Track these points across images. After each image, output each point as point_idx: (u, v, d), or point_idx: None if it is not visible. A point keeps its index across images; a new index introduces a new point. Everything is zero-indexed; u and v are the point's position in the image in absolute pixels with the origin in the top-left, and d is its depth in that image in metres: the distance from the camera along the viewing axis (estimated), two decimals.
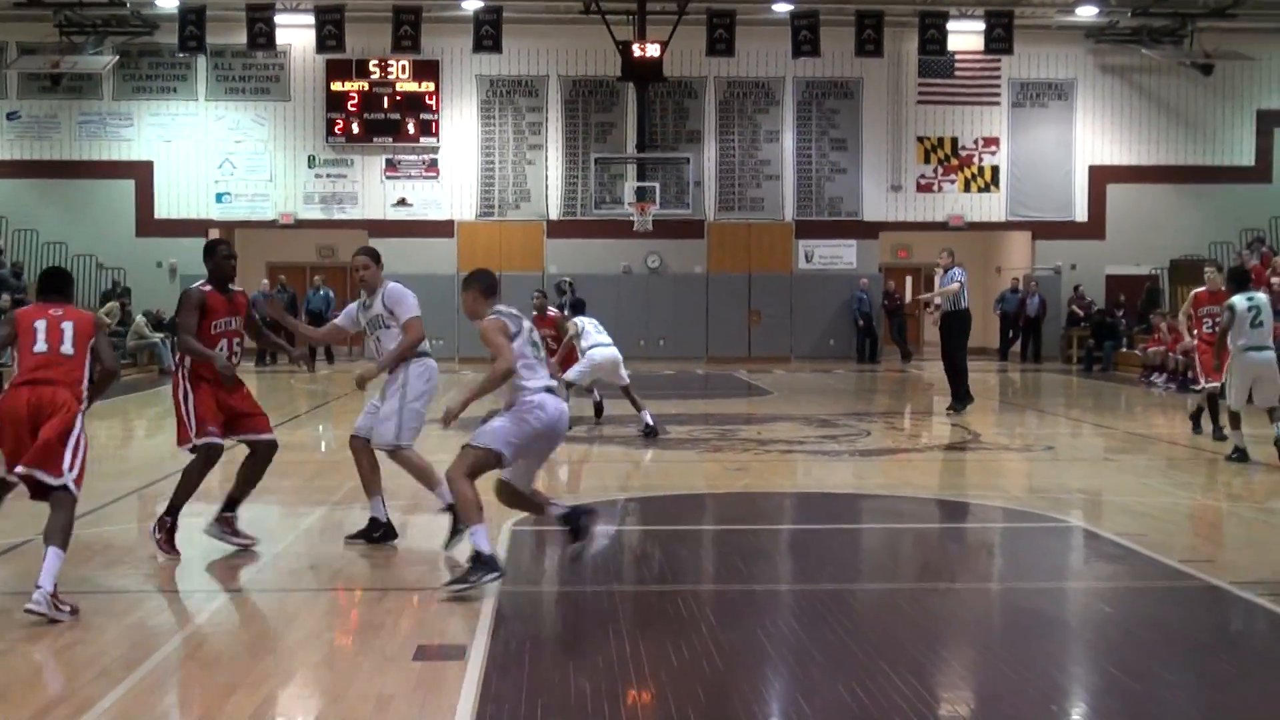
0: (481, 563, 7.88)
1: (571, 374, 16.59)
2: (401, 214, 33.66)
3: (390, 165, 33.74)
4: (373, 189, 33.77)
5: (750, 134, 34.34)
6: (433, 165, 33.72)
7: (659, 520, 11.36)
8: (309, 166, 33.71)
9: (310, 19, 31.08)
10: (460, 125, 33.75)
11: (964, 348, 19.89)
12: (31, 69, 32.82)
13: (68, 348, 7.86)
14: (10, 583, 8.77)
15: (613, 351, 17.37)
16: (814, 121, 34.40)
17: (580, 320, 17.82)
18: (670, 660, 6.69)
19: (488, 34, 31.02)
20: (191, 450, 9.40)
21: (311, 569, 9.19)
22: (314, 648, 7.12)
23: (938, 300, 19.85)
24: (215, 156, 33.64)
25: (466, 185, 33.81)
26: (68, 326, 7.93)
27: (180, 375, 9.46)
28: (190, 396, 9.37)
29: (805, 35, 31.19)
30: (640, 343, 32.91)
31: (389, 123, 33.55)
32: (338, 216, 33.93)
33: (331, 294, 33.69)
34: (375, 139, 33.55)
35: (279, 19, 31.02)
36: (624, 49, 31.50)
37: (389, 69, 33.38)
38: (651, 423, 16.47)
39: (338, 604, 8.30)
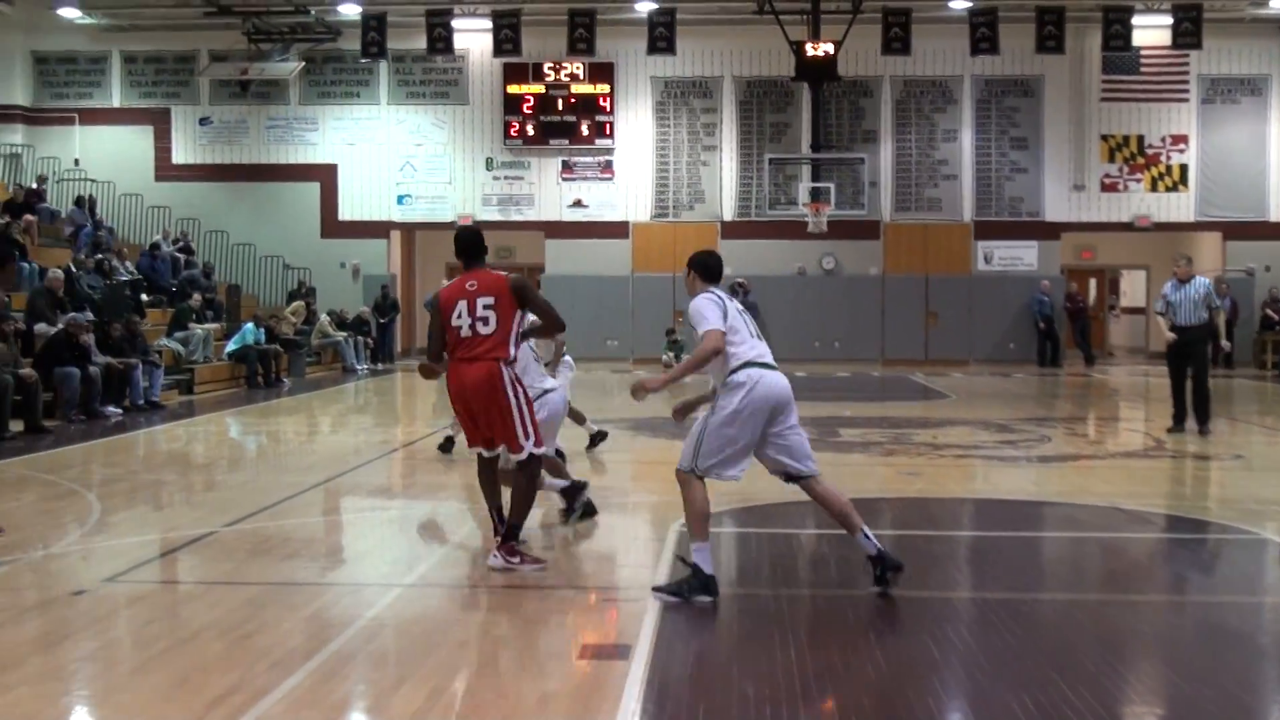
0: (700, 581, 7.81)
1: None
2: (577, 215, 33.92)
3: (566, 167, 34.02)
4: (549, 190, 34.08)
5: (927, 133, 33.88)
6: (608, 167, 33.90)
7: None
8: (487, 169, 34.14)
9: (488, 23, 31.47)
10: (635, 127, 33.89)
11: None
12: (222, 76, 33.78)
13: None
14: (195, 572, 9.02)
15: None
16: (993, 120, 33.81)
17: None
18: (837, 667, 6.59)
19: (662, 35, 31.09)
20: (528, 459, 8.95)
21: (479, 566, 9.27)
22: (482, 643, 7.18)
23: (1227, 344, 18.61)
24: (396, 159, 34.28)
25: (641, 186, 33.93)
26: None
27: (509, 379, 9.00)
28: (528, 403, 9.11)
29: (984, 32, 30.70)
30: (815, 344, 32.81)
31: (565, 125, 33.82)
32: (515, 218, 34.29)
33: None
34: (551, 141, 33.86)
35: (457, 23, 31.45)
36: (798, 49, 31.33)
37: (564, 71, 33.64)
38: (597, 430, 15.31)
39: (507, 600, 8.35)
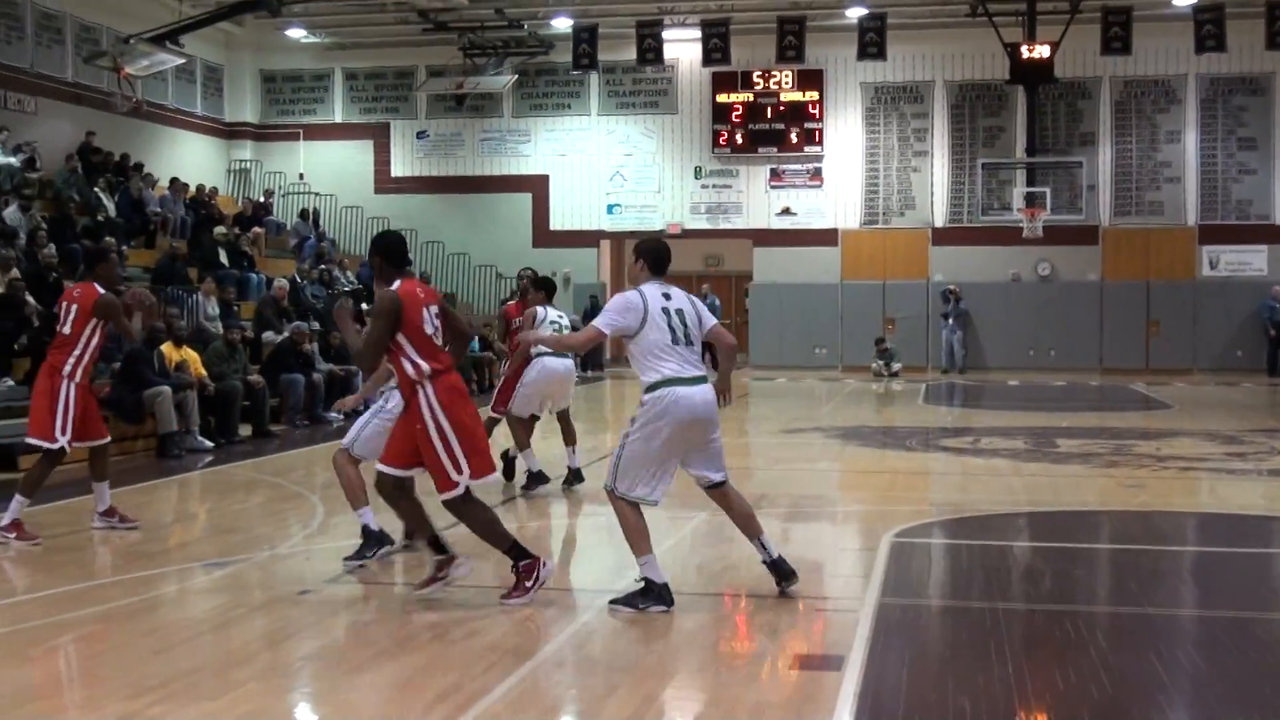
0: (654, 593, 7.67)
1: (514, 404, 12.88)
2: (785, 223, 33.76)
3: (774, 175, 33.90)
4: (757, 198, 34.00)
5: (1149, 135, 32.87)
6: (816, 174, 33.68)
7: (1047, 537, 10.99)
8: (695, 177, 34.22)
9: (697, 33, 31.55)
10: (844, 133, 33.60)
11: None
12: (438, 91, 34.47)
13: None
14: (413, 574, 9.18)
15: (567, 363, 13.24)
16: (1219, 120, 32.63)
17: (545, 310, 12.79)
18: (1056, 683, 6.41)
19: (872, 41, 30.79)
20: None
21: (696, 572, 9.28)
22: (694, 651, 7.17)
23: None
24: (606, 169, 34.58)
25: (850, 193, 33.61)
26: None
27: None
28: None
29: (1209, 29, 29.69)
30: (1029, 353, 32.15)
31: (773, 133, 33.69)
32: (723, 226, 34.31)
33: (718, 301, 34.14)
34: (760, 149, 33.77)
35: (667, 34, 31.58)
36: (1012, 51, 30.72)
37: (773, 79, 33.53)
38: (577, 465, 13.33)
39: (719, 608, 8.35)
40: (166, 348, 16.78)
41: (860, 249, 33.38)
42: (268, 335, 20.56)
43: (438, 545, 8.22)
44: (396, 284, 7.93)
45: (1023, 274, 32.68)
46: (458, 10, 32.08)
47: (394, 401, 9.06)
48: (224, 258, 24.34)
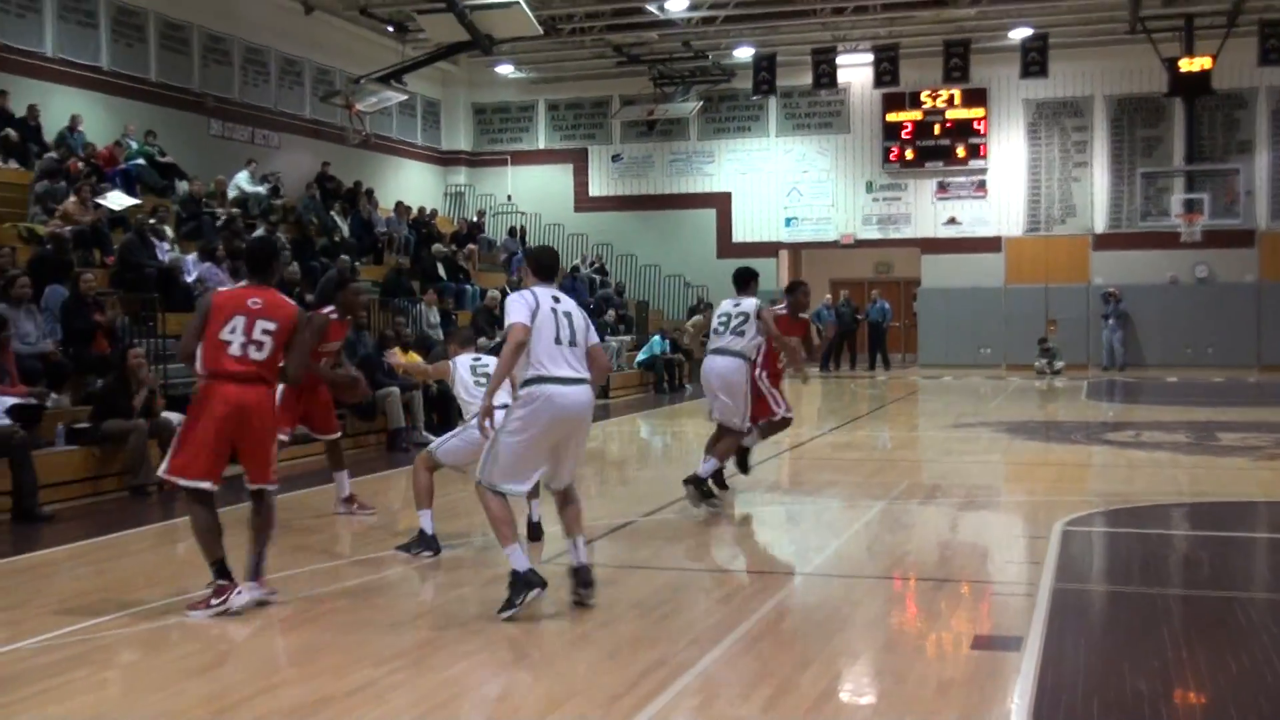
0: (522, 580, 7.14)
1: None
2: (951, 232, 33.26)
3: (941, 187, 33.43)
4: (924, 209, 33.55)
5: None
6: (981, 185, 33.11)
7: (1211, 526, 10.62)
8: (867, 191, 33.90)
9: (869, 57, 31.25)
10: (1008, 147, 32.97)
11: None
12: (631, 118, 34.76)
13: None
14: (619, 557, 9.24)
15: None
16: None
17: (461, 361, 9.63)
18: (1228, 667, 6.18)
19: (1034, 60, 30.20)
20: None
21: (874, 558, 9.18)
22: (879, 631, 7.08)
23: None
24: (784, 185, 34.45)
25: (1014, 203, 32.97)
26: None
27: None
28: None
29: None
30: (1186, 350, 31.19)
31: (940, 148, 33.23)
32: (893, 235, 33.96)
33: (888, 305, 33.85)
34: (927, 164, 33.33)
35: (840, 60, 31.35)
36: (1171, 65, 29.99)
37: (940, 98, 33.07)
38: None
39: (899, 592, 8.24)
40: (395, 352, 17.16)
41: (1023, 255, 32.72)
42: (481, 341, 20.87)
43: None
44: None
45: (1181, 276, 31.66)
46: (648, 44, 32.28)
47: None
48: (442, 271, 24.83)
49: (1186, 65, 29.92)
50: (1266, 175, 31.63)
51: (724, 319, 11.42)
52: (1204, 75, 29.92)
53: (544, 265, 7.70)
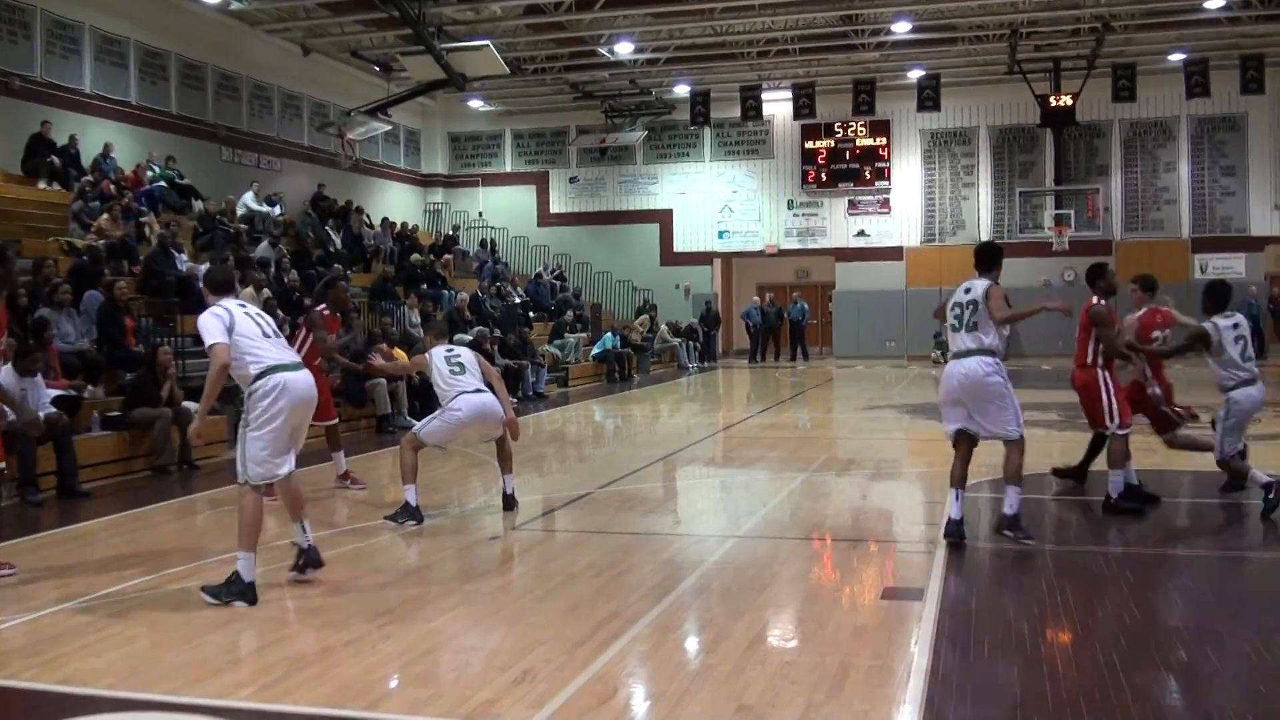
0: (238, 588, 6.54)
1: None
2: (860, 243, 33.38)
3: (851, 204, 33.52)
4: (837, 224, 33.63)
5: (1150, 166, 31.95)
6: (885, 203, 33.25)
7: (1079, 491, 10.68)
8: (788, 208, 33.95)
9: (789, 94, 31.27)
10: (907, 170, 33.14)
11: None
12: (586, 145, 34.65)
13: None
14: (578, 523, 9.20)
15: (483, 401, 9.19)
16: (1205, 152, 31.63)
17: (436, 352, 9.41)
18: (1095, 610, 6.26)
19: (929, 96, 30.37)
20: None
21: (796, 523, 9.19)
22: (801, 585, 7.08)
23: None
24: (717, 203, 34.44)
25: (912, 218, 33.15)
26: None
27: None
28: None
29: (1197, 80, 28.75)
30: (1059, 343, 31.25)
31: (850, 171, 33.33)
32: (810, 246, 34.01)
33: (806, 305, 33.99)
34: (839, 184, 33.42)
35: (765, 95, 31.40)
36: (1042, 101, 30.30)
37: (850, 129, 33.19)
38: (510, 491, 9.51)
39: (818, 551, 8.25)
40: (376, 356, 17.01)
41: (921, 262, 32.88)
42: (459, 337, 20.73)
43: None
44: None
45: (1052, 280, 31.91)
46: (600, 82, 32.21)
47: (457, 401, 9.03)
48: (422, 278, 24.65)
49: (1055, 101, 30.27)
50: (1120, 194, 32.02)
51: (956, 312, 8.43)
52: (1069, 109, 30.28)
53: (217, 283, 7.04)
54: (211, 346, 6.57)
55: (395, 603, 6.55)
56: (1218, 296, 9.56)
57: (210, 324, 6.62)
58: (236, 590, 6.50)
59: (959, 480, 7.92)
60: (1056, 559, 7.67)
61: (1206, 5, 25.43)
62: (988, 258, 8.58)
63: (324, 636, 5.92)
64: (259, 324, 6.81)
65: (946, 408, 8.18)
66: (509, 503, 9.31)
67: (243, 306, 6.88)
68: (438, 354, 9.31)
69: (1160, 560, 7.71)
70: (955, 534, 7.69)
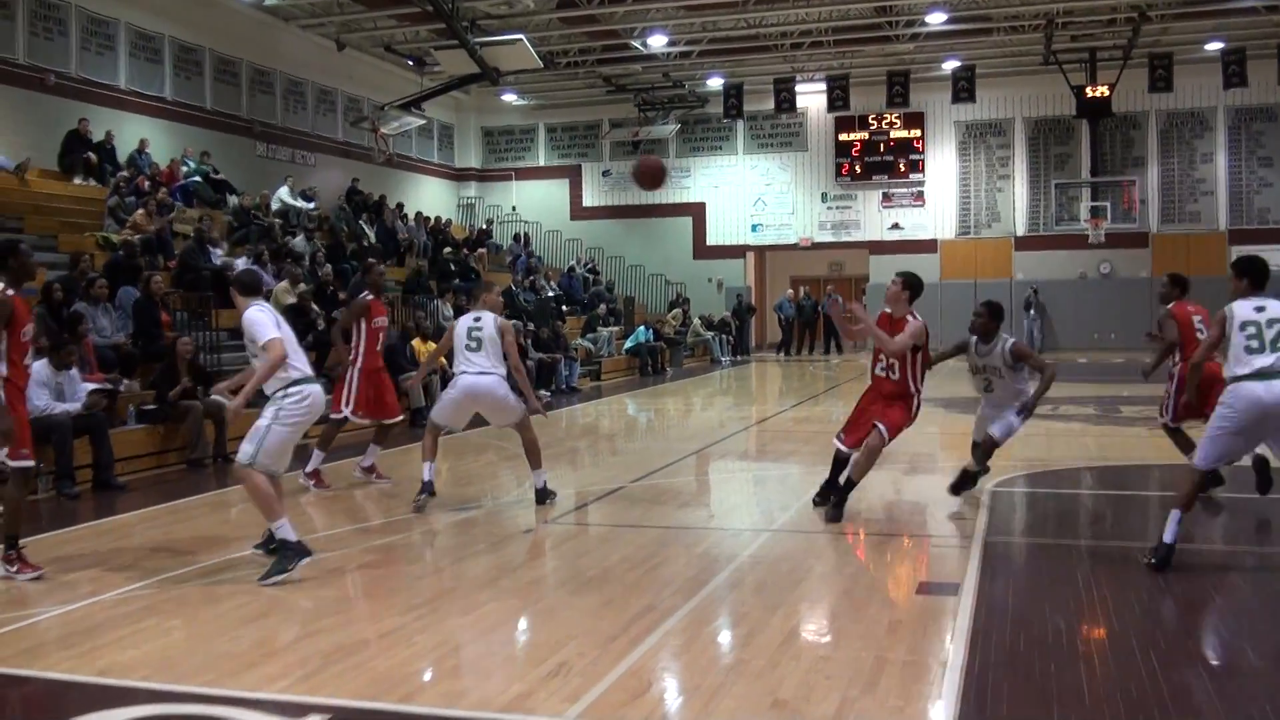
0: (293, 551, 6.89)
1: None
2: (894, 235, 33.24)
3: (885, 197, 33.38)
4: (871, 216, 33.51)
5: (1188, 157, 31.64)
6: (919, 195, 33.09)
7: (1117, 486, 10.60)
8: (822, 201, 33.84)
9: (823, 86, 31.16)
10: (942, 162, 32.95)
11: None
12: (618, 138, 34.65)
13: None
14: (612, 517, 9.18)
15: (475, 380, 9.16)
16: (1243, 143, 31.27)
17: (462, 320, 9.42)
18: (1133, 607, 6.16)
19: (964, 88, 30.17)
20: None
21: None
22: (836, 578, 7.03)
23: None
24: (750, 196, 34.38)
25: (947, 210, 32.98)
26: None
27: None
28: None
29: (1234, 69, 28.44)
30: (1094, 336, 31.27)
31: (884, 164, 33.18)
32: (844, 239, 33.92)
33: (840, 298, 33.70)
34: (873, 177, 33.29)
35: (798, 88, 31.30)
36: (1078, 92, 30.06)
37: (884, 121, 33.02)
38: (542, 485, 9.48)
39: (852, 545, 8.19)
40: (416, 342, 17.09)
41: (956, 254, 32.74)
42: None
43: None
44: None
45: (1088, 272, 31.72)
46: (633, 75, 32.18)
47: (456, 379, 9.22)
48: (456, 272, 24.71)
49: (1091, 92, 30.04)
50: (1157, 185, 31.71)
51: (1254, 331, 6.90)
52: (1105, 100, 30.04)
53: (245, 285, 7.35)
54: (271, 341, 6.96)
55: (429, 596, 6.56)
56: (1250, 272, 7.29)
57: (264, 320, 7.06)
58: (292, 553, 6.84)
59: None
60: (1093, 554, 7.60)
61: None
62: (1264, 272, 7.36)
63: (359, 629, 5.93)
64: (292, 332, 7.25)
65: (1230, 436, 6.82)
66: (541, 496, 9.31)
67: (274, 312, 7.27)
68: (461, 324, 9.31)
69: (1197, 556, 7.60)
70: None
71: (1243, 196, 31.22)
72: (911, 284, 8.81)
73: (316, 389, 7.21)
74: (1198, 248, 31.01)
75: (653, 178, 11.19)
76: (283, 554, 6.87)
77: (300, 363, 7.21)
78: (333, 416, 10.48)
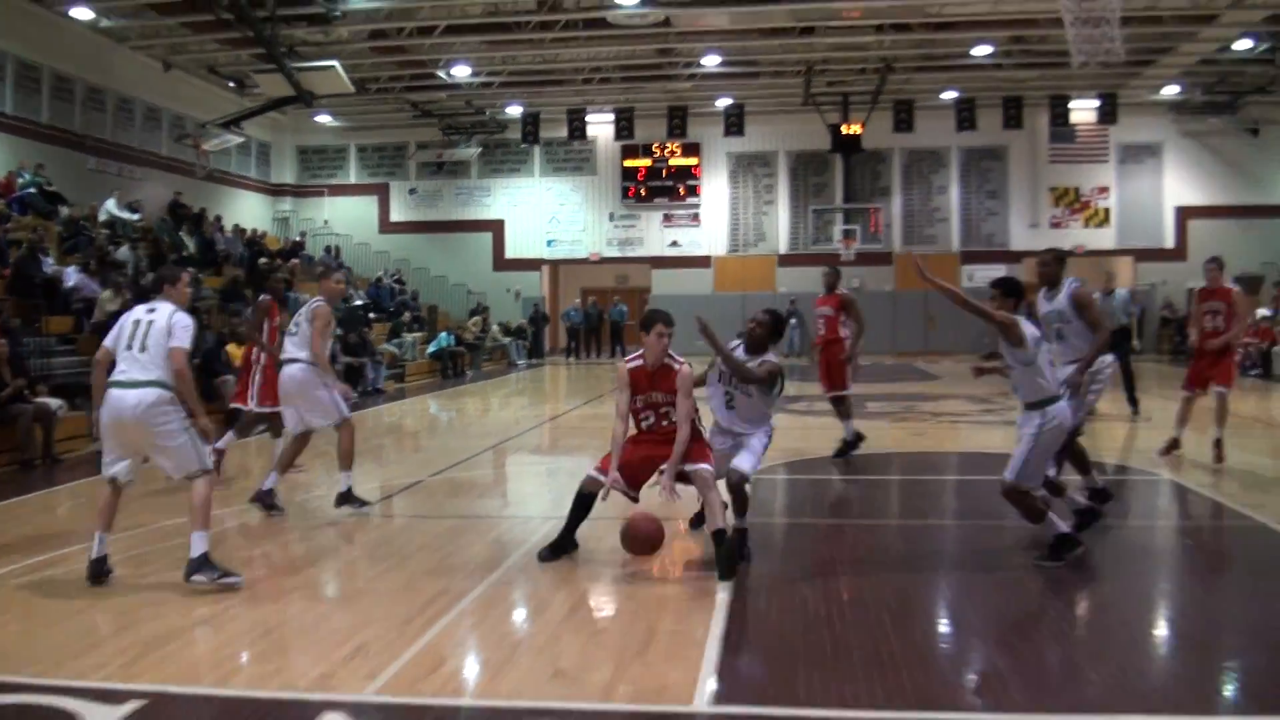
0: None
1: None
2: (673, 252, 33.88)
3: (666, 217, 33.99)
4: (653, 234, 34.07)
5: (926, 188, 33.40)
6: (695, 216, 33.83)
7: (862, 472, 11.14)
8: (610, 220, 34.21)
9: (611, 116, 31.48)
10: (715, 188, 33.79)
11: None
12: (424, 159, 34.24)
13: None
14: (411, 509, 9.14)
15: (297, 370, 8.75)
16: (973, 178, 33.26)
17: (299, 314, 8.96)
18: (865, 583, 6.56)
19: (734, 122, 30.97)
20: None
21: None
22: (617, 561, 7.16)
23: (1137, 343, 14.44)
24: (545, 215, 34.47)
25: (719, 230, 33.82)
26: None
27: None
28: None
29: (965, 114, 30.17)
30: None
31: (665, 188, 33.80)
32: (630, 254, 34.35)
33: (625, 308, 34.31)
34: (656, 199, 33.86)
35: (589, 117, 31.45)
36: (833, 130, 31.22)
37: (665, 150, 33.63)
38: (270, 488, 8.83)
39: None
40: (230, 347, 16.51)
41: (727, 270, 33.59)
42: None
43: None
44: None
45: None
46: (438, 102, 31.84)
47: None
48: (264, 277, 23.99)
49: (844, 130, 31.22)
50: (900, 212, 33.34)
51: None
52: (856, 138, 31.29)
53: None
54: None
55: (241, 586, 6.44)
56: (1017, 292, 7.59)
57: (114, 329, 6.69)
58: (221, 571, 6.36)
59: None
60: (841, 532, 8.02)
61: (974, 53, 26.68)
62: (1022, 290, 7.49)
63: (177, 619, 5.79)
64: (122, 332, 6.61)
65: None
66: (341, 499, 8.80)
67: (150, 311, 6.67)
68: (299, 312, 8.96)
69: (925, 531, 8.12)
70: None
71: (972, 223, 33.13)
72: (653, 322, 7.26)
73: (116, 394, 6.42)
74: (934, 266, 31.82)
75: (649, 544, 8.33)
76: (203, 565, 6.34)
77: (121, 366, 6.51)
78: (237, 407, 10.75)
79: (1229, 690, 4.84)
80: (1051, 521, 6.73)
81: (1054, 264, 8.34)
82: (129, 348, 6.49)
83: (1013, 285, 7.26)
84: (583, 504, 6.98)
